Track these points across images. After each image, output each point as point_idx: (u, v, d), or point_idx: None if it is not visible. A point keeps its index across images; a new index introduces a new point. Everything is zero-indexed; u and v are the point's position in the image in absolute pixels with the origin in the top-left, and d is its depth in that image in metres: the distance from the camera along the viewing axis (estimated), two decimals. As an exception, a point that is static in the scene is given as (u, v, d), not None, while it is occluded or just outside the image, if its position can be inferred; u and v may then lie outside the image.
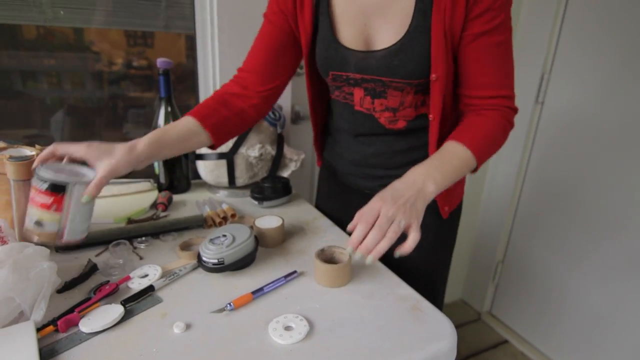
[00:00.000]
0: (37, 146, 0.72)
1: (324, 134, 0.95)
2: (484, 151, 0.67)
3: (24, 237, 0.61)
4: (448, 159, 0.65)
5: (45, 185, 0.58)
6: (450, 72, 0.69)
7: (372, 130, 0.79)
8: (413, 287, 0.67)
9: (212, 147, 0.76)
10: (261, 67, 0.78)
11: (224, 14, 1.05)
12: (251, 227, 0.73)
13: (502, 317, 1.91)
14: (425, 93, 0.72)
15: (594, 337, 1.50)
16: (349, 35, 0.71)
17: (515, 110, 0.71)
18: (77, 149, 0.61)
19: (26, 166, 0.64)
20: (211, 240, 0.67)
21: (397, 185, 0.60)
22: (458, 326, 1.90)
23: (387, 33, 0.68)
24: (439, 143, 0.71)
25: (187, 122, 0.71)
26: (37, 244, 0.59)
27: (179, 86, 1.17)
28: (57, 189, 0.58)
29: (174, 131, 0.69)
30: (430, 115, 0.72)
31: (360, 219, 0.56)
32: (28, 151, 0.71)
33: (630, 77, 1.32)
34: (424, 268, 0.83)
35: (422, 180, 0.60)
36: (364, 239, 0.55)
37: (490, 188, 1.85)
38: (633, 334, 1.38)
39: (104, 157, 0.61)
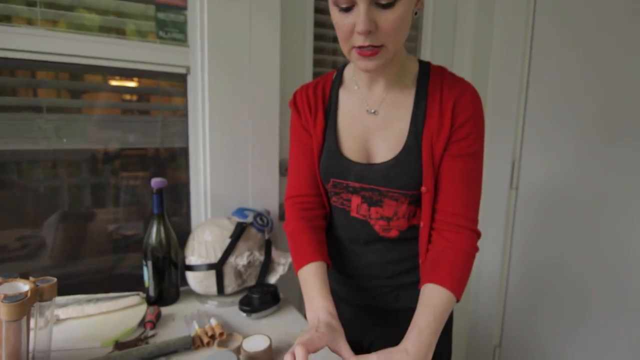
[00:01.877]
0: (31, 278, 0.75)
1: None
2: (462, 287, 0.71)
3: None
4: (438, 317, 0.67)
5: None
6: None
7: (366, 237, 0.84)
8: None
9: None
10: (310, 187, 0.87)
11: (214, 130, 1.15)
12: (238, 352, 0.74)
13: (506, 407, 1.82)
14: (417, 205, 0.80)
15: None
16: (351, 149, 0.80)
17: (478, 235, 0.76)
18: (319, 341, 0.62)
19: (19, 307, 0.66)
20: (198, 373, 0.68)
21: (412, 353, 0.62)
22: None
23: (385, 149, 0.78)
24: (428, 248, 0.78)
25: (321, 266, 0.79)
26: None
27: (172, 164, 1.24)
28: None
29: (323, 277, 0.78)
30: (421, 223, 0.79)
31: None
32: (23, 285, 0.73)
33: (595, 153, 1.43)
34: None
35: (425, 352, 0.64)
36: None
37: (478, 275, 1.87)
38: None
39: (338, 338, 0.65)
